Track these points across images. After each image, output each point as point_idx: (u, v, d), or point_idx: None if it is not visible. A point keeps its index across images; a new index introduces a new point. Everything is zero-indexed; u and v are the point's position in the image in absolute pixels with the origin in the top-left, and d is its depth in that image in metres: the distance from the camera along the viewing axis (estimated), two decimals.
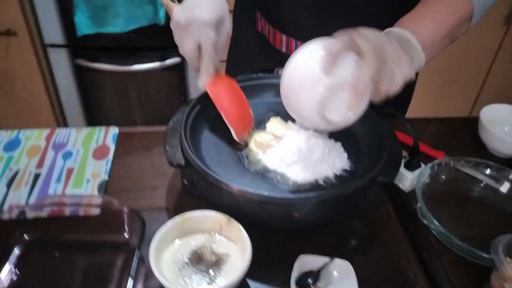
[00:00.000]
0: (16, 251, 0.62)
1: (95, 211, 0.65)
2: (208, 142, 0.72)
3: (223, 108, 0.69)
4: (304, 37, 0.85)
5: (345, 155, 0.70)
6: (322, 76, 0.56)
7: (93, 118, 1.86)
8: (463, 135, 0.92)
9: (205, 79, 0.69)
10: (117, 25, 1.54)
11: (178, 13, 0.66)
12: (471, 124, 0.92)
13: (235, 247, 0.60)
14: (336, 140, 0.72)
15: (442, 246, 0.66)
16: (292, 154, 0.66)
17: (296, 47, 0.90)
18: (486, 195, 0.74)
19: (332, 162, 0.66)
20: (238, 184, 0.58)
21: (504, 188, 0.74)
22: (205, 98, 0.74)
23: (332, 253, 0.61)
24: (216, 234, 0.62)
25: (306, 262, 0.59)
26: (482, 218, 0.71)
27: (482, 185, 0.75)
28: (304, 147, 0.66)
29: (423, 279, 0.62)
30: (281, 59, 0.91)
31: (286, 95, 0.63)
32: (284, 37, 0.90)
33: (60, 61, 1.67)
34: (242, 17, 0.77)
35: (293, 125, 0.73)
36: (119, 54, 1.69)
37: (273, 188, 0.64)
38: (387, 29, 0.65)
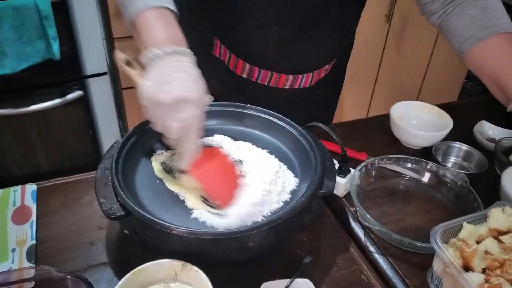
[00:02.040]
0: None
1: (30, 284, 0.58)
2: (143, 186, 0.68)
3: (209, 189, 0.66)
4: (270, 67, 0.91)
5: (292, 174, 0.72)
6: None
7: None
8: (377, 133, 0.99)
9: (190, 160, 0.65)
10: (6, 66, 1.39)
11: (154, 90, 0.59)
12: (380, 122, 1.00)
13: None
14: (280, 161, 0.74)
15: (384, 243, 0.71)
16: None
17: (259, 74, 0.92)
18: (411, 187, 0.81)
19: (281, 185, 0.68)
20: (184, 225, 0.57)
21: (425, 178, 0.81)
22: (128, 141, 0.71)
23: (291, 274, 0.62)
24: (172, 281, 0.59)
25: None
26: (412, 209, 0.77)
27: (406, 178, 0.82)
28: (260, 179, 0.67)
29: (375, 279, 0.66)
30: (238, 82, 0.94)
31: None
32: (247, 66, 0.91)
33: None
34: (195, 40, 0.72)
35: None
36: (12, 96, 1.53)
37: (218, 221, 0.63)
38: None
